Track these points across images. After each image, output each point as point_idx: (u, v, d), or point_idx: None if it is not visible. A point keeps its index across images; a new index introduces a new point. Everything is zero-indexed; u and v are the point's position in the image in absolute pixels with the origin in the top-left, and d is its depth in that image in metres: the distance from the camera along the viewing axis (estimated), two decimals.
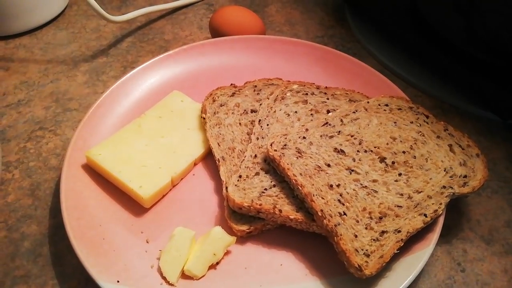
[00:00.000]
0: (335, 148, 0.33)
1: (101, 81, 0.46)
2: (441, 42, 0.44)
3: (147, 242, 0.31)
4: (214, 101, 0.39)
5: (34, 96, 0.45)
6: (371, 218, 0.29)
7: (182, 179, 0.36)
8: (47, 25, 0.53)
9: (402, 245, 0.28)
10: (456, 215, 0.35)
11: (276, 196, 0.31)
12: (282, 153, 0.32)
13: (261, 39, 0.46)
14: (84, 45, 0.51)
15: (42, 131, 0.41)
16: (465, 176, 0.32)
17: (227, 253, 0.31)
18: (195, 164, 0.37)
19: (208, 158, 0.37)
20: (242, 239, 0.32)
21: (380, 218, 0.29)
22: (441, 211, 0.30)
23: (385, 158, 0.33)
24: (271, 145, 0.33)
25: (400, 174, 0.32)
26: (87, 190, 0.34)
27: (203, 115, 0.38)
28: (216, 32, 0.47)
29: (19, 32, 0.51)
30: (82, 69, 0.48)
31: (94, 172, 0.35)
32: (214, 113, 0.38)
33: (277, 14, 0.55)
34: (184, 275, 0.29)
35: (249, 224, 0.31)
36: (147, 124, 0.37)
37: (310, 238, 0.31)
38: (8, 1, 0.48)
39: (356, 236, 0.28)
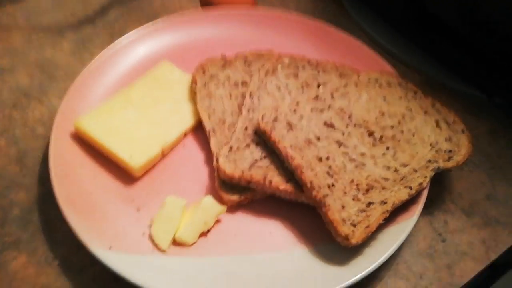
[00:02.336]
0: (325, 122, 0.34)
1: (87, 50, 0.45)
2: (432, 19, 0.44)
3: (138, 210, 0.32)
4: (204, 72, 0.39)
5: (18, 64, 0.43)
6: (358, 190, 0.30)
7: (172, 149, 0.36)
8: None
9: (387, 216, 0.29)
10: (439, 188, 0.36)
11: (266, 167, 0.32)
12: (273, 126, 0.33)
13: (252, 11, 0.45)
14: (70, 13, 0.49)
15: (28, 99, 0.40)
16: (450, 151, 0.33)
17: (217, 221, 0.31)
18: (185, 135, 0.37)
19: (199, 130, 0.37)
20: (232, 208, 0.32)
21: (367, 190, 0.30)
22: (426, 184, 0.31)
23: (373, 132, 0.33)
24: (262, 118, 0.33)
25: (387, 148, 0.33)
26: (76, 159, 0.33)
27: (193, 86, 0.38)
28: (206, 1, 0.46)
29: None
30: (68, 38, 0.46)
31: (83, 141, 0.35)
32: (204, 84, 0.38)
33: None
34: (175, 242, 0.30)
35: (239, 194, 0.32)
36: (137, 94, 0.37)
37: (298, 208, 0.32)
38: None
39: (343, 207, 0.29)
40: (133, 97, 0.37)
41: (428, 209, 0.35)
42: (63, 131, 0.34)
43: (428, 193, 0.32)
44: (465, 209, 0.35)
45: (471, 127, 0.41)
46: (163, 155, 0.35)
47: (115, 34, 0.47)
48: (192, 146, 0.36)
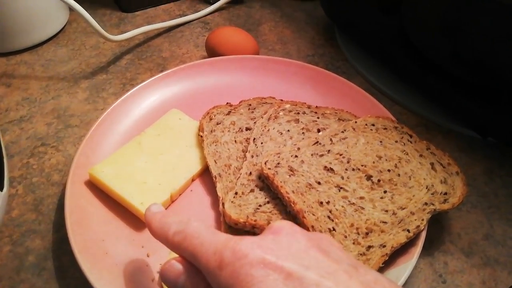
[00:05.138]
0: (325, 166, 0.35)
1: (101, 97, 0.48)
2: (427, 62, 0.47)
3: (148, 256, 0.33)
4: (211, 119, 0.41)
5: (36, 113, 0.46)
6: (358, 233, 0.31)
7: (180, 194, 0.37)
8: (48, 42, 0.55)
9: (387, 259, 0.30)
10: (437, 229, 0.37)
11: (270, 212, 0.33)
12: (276, 171, 0.34)
13: (255, 59, 0.48)
14: (84, 62, 0.52)
15: (45, 147, 0.43)
16: (445, 193, 0.34)
17: None
18: (192, 180, 0.38)
19: (205, 174, 0.39)
20: None
21: (367, 233, 0.32)
22: (423, 227, 0.32)
23: (371, 176, 0.35)
24: (265, 163, 0.35)
25: (385, 192, 0.34)
26: (90, 206, 0.35)
27: (201, 133, 0.40)
28: (212, 51, 0.50)
29: (21, 48, 0.53)
30: (83, 86, 0.49)
31: (96, 188, 0.37)
32: (211, 131, 0.40)
33: (270, 33, 0.57)
34: None
35: None
36: (147, 142, 0.39)
37: None
38: (10, 19, 0.50)
39: None
40: (144, 144, 0.39)
41: (428, 250, 0.36)
42: (78, 179, 0.36)
43: (428, 234, 0.34)
44: (465, 249, 0.36)
45: (467, 167, 0.42)
46: (172, 200, 0.37)
47: (126, 82, 0.50)
48: (199, 191, 0.38)
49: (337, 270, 0.20)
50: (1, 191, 0.30)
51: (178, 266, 0.24)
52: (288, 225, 0.24)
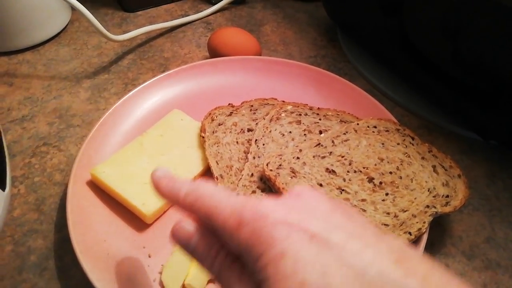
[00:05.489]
0: (327, 168, 0.35)
1: (103, 97, 0.48)
2: (428, 64, 0.47)
3: (149, 256, 0.33)
4: (212, 120, 0.41)
5: (38, 112, 0.46)
6: None
7: None
8: (50, 41, 0.55)
9: None
10: (439, 232, 0.37)
11: None
12: (278, 173, 0.34)
13: (257, 60, 0.48)
14: (86, 61, 0.52)
15: (46, 147, 0.43)
16: (447, 196, 0.34)
17: None
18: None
19: (207, 175, 0.39)
20: None
21: None
22: (425, 230, 0.32)
23: (373, 178, 0.35)
24: (267, 165, 0.35)
25: (387, 194, 0.34)
26: (92, 206, 0.35)
27: (202, 134, 0.40)
28: (214, 52, 0.50)
29: (23, 47, 0.53)
30: (85, 86, 0.49)
31: (98, 189, 0.37)
32: (213, 132, 0.40)
33: (272, 34, 0.57)
34: None
35: None
36: (149, 142, 0.39)
37: None
38: (12, 18, 0.50)
39: None
40: (145, 145, 0.39)
41: (429, 252, 0.36)
42: (80, 179, 0.36)
43: (429, 237, 0.34)
44: (466, 252, 0.36)
45: (469, 170, 0.42)
46: None
47: (128, 82, 0.50)
48: None
49: (364, 233, 0.19)
50: (4, 191, 0.30)
51: (190, 227, 0.23)
52: (309, 188, 0.22)
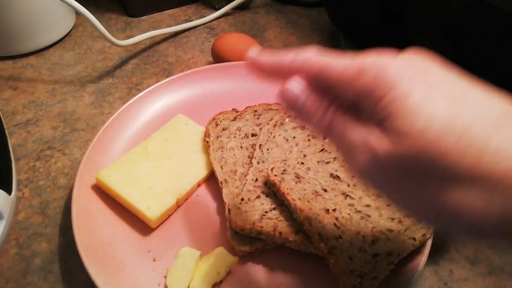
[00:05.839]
0: (331, 174, 0.35)
1: (107, 102, 0.48)
2: None
3: (154, 260, 0.33)
4: (217, 125, 0.41)
5: (43, 116, 0.46)
6: (364, 241, 0.32)
7: (186, 199, 0.38)
8: (54, 46, 0.55)
9: (393, 267, 0.30)
10: (443, 237, 0.37)
11: (276, 218, 0.34)
12: (282, 178, 0.35)
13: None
14: (90, 66, 0.53)
15: (51, 151, 0.43)
16: None
17: (229, 272, 0.33)
18: (198, 186, 0.39)
19: (211, 179, 0.39)
20: (244, 258, 0.34)
21: (373, 241, 0.32)
22: (429, 235, 0.33)
23: None
24: (271, 170, 0.35)
25: None
26: (96, 210, 0.35)
27: (207, 139, 0.40)
28: (218, 57, 0.50)
29: (27, 52, 0.53)
30: (89, 90, 0.50)
31: (103, 193, 0.37)
32: (217, 137, 0.40)
33: (275, 39, 0.58)
34: None
35: (250, 245, 0.33)
36: (153, 147, 0.39)
37: (307, 258, 0.33)
38: (16, 22, 0.50)
39: (350, 258, 0.31)
40: (150, 149, 0.39)
41: (433, 258, 0.36)
42: (85, 183, 0.36)
43: (433, 242, 0.34)
44: (470, 257, 0.36)
45: None
46: (178, 205, 0.37)
47: (132, 86, 0.50)
48: (205, 196, 0.38)
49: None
50: (10, 195, 0.30)
51: (298, 85, 0.23)
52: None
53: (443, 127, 0.18)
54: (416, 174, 0.19)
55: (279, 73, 0.25)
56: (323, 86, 0.23)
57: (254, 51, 0.26)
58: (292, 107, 0.24)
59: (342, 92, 0.22)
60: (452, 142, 0.18)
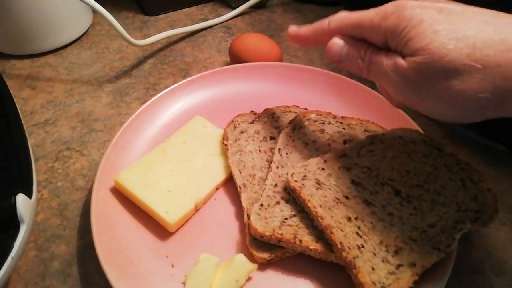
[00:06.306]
0: (353, 180, 0.35)
1: (124, 102, 0.48)
2: None
3: (172, 266, 0.33)
4: (235, 127, 0.41)
5: (61, 116, 0.46)
6: (387, 251, 0.31)
7: (204, 203, 0.37)
8: (72, 44, 0.55)
9: (417, 279, 0.30)
10: (466, 247, 0.36)
11: (296, 226, 0.33)
12: (303, 184, 0.34)
13: (279, 66, 0.48)
14: (108, 65, 0.53)
15: (69, 151, 0.43)
16: (476, 211, 0.34)
17: (248, 279, 0.32)
18: (216, 189, 0.38)
19: (229, 183, 0.39)
20: (263, 265, 0.33)
21: (396, 251, 0.31)
22: (454, 246, 0.32)
23: (400, 192, 0.34)
24: (291, 175, 0.35)
25: (414, 208, 0.33)
26: (115, 213, 0.35)
27: (225, 142, 0.40)
28: (235, 57, 0.49)
29: (45, 51, 0.53)
30: (106, 90, 0.49)
31: (121, 195, 0.36)
32: (235, 140, 0.40)
33: None
34: None
35: (269, 252, 0.33)
36: (172, 149, 0.39)
37: (328, 267, 0.33)
38: (34, 21, 0.50)
39: (373, 269, 0.30)
40: (168, 151, 0.39)
41: (456, 268, 0.35)
42: (104, 185, 0.36)
43: (456, 252, 0.33)
44: (494, 268, 0.35)
45: (495, 182, 0.41)
46: (196, 209, 0.36)
47: (150, 86, 0.50)
48: (223, 200, 0.38)
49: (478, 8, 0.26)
50: (30, 198, 0.30)
51: (339, 41, 0.30)
52: None
53: (443, 39, 0.25)
54: (430, 75, 0.25)
55: (321, 37, 0.32)
56: (357, 36, 0.29)
57: (294, 27, 0.34)
58: (338, 58, 0.31)
59: (375, 36, 0.28)
60: (449, 48, 0.24)
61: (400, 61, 0.27)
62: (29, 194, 0.30)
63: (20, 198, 0.28)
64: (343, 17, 0.30)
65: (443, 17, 0.25)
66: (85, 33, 0.56)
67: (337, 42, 0.30)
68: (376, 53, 0.28)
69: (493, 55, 0.24)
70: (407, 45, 0.26)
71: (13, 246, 0.27)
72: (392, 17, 0.27)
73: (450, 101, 0.26)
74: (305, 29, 0.33)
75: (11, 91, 0.38)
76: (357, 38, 0.30)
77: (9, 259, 0.27)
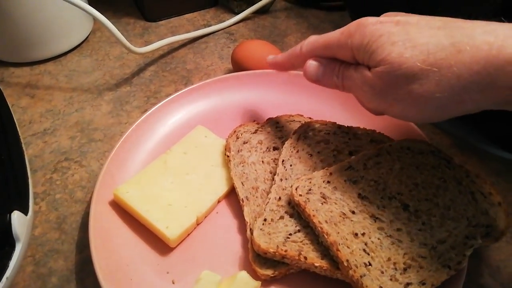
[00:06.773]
0: (359, 194, 0.34)
1: (124, 111, 0.47)
2: None
3: (173, 283, 0.32)
4: (237, 138, 0.40)
5: (60, 125, 0.45)
6: (396, 269, 0.30)
7: (206, 217, 0.36)
8: (71, 52, 0.54)
9: None
10: (475, 261, 0.35)
11: (301, 242, 0.32)
12: (307, 199, 0.33)
13: (282, 74, 0.47)
14: (108, 73, 0.52)
15: (68, 162, 0.42)
16: (487, 226, 0.32)
17: None
18: (218, 202, 0.37)
19: (231, 195, 0.38)
20: (266, 282, 0.32)
21: (405, 269, 0.30)
22: (465, 263, 0.30)
23: (408, 206, 0.33)
24: (296, 189, 0.33)
25: (423, 223, 0.32)
26: (114, 228, 0.34)
27: (228, 153, 0.39)
28: (238, 65, 0.48)
29: (44, 58, 0.53)
30: (106, 98, 0.49)
31: (121, 209, 0.36)
32: (238, 151, 0.39)
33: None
34: None
35: (273, 269, 0.32)
36: (172, 161, 0.38)
37: (334, 284, 0.31)
38: (34, 28, 0.49)
39: (381, 287, 0.29)
40: (169, 163, 0.38)
41: (466, 284, 0.34)
42: (103, 199, 0.35)
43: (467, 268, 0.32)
44: (505, 284, 0.34)
45: (505, 193, 0.40)
46: (198, 223, 0.35)
47: (150, 95, 0.49)
48: (225, 213, 0.37)
49: (432, 19, 0.28)
50: (26, 215, 0.29)
51: (314, 62, 0.33)
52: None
53: (400, 49, 0.27)
54: (392, 82, 0.28)
55: (296, 62, 0.36)
56: (329, 55, 0.33)
57: (271, 57, 0.39)
58: (315, 77, 0.34)
59: (344, 53, 0.31)
60: (406, 56, 0.27)
61: (367, 72, 0.29)
62: (25, 211, 0.29)
63: (16, 216, 0.27)
64: (313, 40, 0.33)
65: (400, 29, 0.28)
66: (85, 39, 0.56)
67: (312, 63, 0.33)
68: (347, 69, 0.31)
69: (446, 58, 0.26)
70: (371, 58, 0.29)
71: (8, 266, 0.26)
72: (356, 34, 0.29)
73: (414, 103, 0.28)
74: (281, 57, 0.37)
75: (10, 99, 0.37)
76: (328, 57, 0.33)
77: (4, 280, 0.26)
